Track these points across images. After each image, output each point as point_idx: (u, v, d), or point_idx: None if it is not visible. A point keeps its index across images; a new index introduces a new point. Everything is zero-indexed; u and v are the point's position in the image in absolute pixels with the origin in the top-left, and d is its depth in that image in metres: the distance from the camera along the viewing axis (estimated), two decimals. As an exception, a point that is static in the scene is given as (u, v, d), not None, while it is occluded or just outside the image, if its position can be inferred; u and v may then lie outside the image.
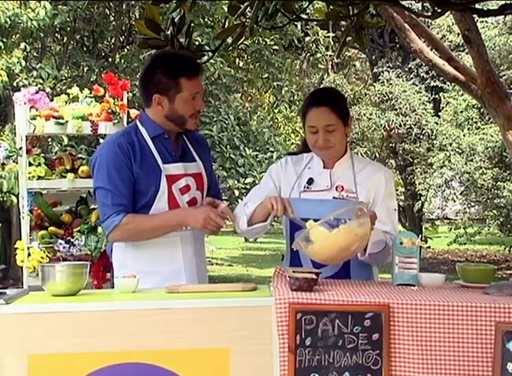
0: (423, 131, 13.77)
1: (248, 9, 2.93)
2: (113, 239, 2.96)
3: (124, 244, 2.98)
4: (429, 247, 15.88)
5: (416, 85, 13.99)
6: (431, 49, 6.50)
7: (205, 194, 3.07)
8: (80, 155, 5.26)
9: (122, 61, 10.45)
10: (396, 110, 13.58)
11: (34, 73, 9.16)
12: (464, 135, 13.03)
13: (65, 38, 10.99)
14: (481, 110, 12.49)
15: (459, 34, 10.70)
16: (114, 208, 2.86)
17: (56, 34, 10.69)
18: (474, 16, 5.38)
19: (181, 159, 2.99)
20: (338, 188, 2.93)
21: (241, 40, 3.12)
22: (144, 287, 2.67)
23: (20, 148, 4.82)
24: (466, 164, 12.80)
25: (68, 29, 10.42)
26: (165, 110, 2.92)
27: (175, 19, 2.99)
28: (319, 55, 11.09)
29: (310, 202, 2.91)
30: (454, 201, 14.70)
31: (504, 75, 12.54)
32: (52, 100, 5.10)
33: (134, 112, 4.95)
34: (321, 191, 2.93)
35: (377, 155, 14.67)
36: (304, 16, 6.22)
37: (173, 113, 2.92)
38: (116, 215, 2.85)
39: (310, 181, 2.96)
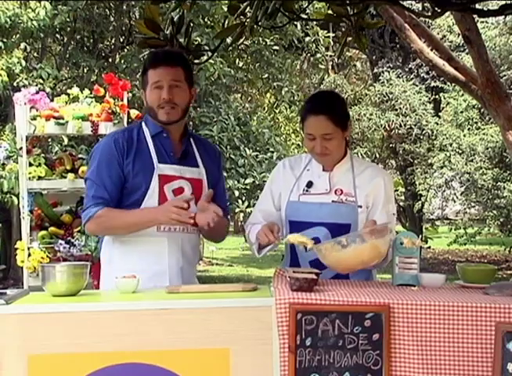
0: (424, 132, 13.77)
1: (248, 8, 2.93)
2: (88, 230, 2.98)
3: (112, 241, 2.97)
4: (429, 248, 15.88)
5: (417, 86, 14.00)
6: (431, 49, 6.49)
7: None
8: (80, 155, 5.27)
9: (122, 61, 10.46)
10: (396, 110, 13.59)
11: (34, 73, 9.17)
12: (464, 136, 13.03)
13: (65, 38, 11.00)
14: (481, 110, 12.49)
15: (459, 34, 10.72)
16: (94, 200, 2.87)
17: (56, 34, 10.70)
18: (474, 16, 5.38)
19: (180, 161, 2.95)
20: (337, 191, 2.93)
21: (241, 40, 3.13)
22: None
23: (21, 148, 4.83)
24: (466, 164, 12.80)
25: (68, 29, 10.43)
26: (146, 106, 2.96)
27: (175, 19, 2.99)
28: (319, 55, 11.10)
29: (309, 205, 2.92)
30: (454, 202, 14.71)
31: (504, 75, 12.56)
32: (52, 100, 5.11)
33: (134, 112, 4.96)
34: (320, 194, 2.93)
35: (377, 155, 14.68)
36: (304, 16, 6.21)
37: (147, 106, 2.94)
38: (94, 206, 2.86)
39: (309, 184, 2.96)
